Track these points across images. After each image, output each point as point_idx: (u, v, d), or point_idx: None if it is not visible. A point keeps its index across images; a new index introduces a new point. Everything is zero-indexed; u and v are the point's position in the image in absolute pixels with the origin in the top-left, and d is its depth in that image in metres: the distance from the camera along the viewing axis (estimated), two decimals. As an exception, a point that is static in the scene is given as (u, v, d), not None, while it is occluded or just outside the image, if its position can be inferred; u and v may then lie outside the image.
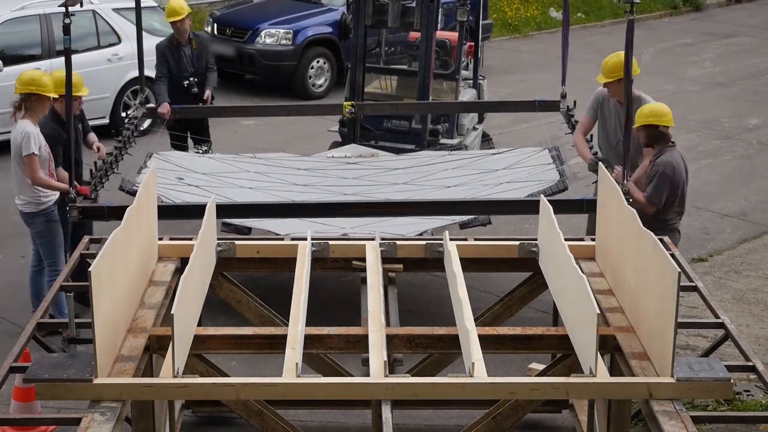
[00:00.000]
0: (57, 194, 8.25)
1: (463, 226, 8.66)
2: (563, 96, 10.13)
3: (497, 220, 9.34)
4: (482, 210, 8.50)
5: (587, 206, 7.74)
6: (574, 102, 9.85)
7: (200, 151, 10.31)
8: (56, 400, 5.82)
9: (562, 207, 8.11)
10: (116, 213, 7.54)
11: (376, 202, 8.59)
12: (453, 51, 11.61)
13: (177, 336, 4.77)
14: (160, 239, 6.39)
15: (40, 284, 8.50)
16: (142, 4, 13.90)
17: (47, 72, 9.25)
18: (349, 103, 10.31)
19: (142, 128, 9.97)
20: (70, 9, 7.17)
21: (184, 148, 10.36)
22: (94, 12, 13.52)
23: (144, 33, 13.34)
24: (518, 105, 10.67)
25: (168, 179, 8.85)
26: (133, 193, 7.33)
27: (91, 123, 12.66)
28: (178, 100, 10.58)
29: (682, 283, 4.84)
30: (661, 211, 7.98)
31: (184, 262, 5.56)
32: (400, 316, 5.90)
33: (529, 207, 7.81)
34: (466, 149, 10.96)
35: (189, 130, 10.93)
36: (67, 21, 7.15)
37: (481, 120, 11.84)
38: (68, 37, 7.20)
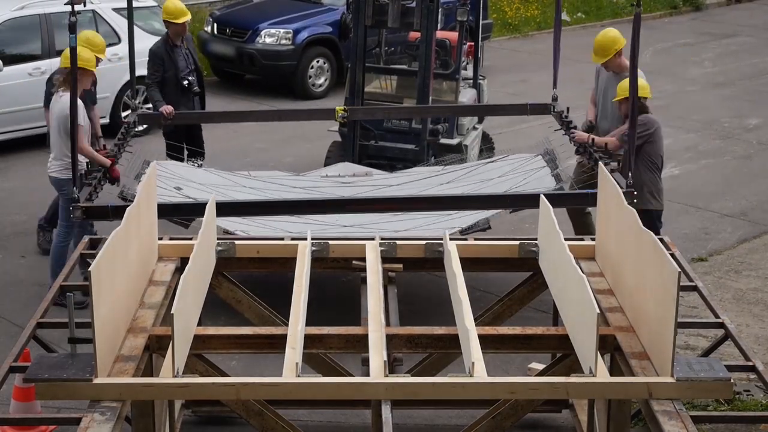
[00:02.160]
0: (86, 163, 8.56)
1: (462, 232, 8.65)
2: (554, 99, 10.15)
3: (496, 220, 9.34)
4: (483, 205, 8.50)
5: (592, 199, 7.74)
6: (567, 108, 9.87)
7: (196, 164, 10.25)
8: (56, 400, 5.83)
9: (570, 200, 8.31)
10: (120, 213, 7.54)
11: (376, 199, 8.59)
12: (453, 51, 11.61)
13: (177, 336, 4.77)
14: (160, 239, 6.39)
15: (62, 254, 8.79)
16: (143, 4, 13.98)
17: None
18: (342, 108, 10.32)
19: (137, 130, 9.93)
20: (76, 8, 7.16)
21: (180, 159, 10.27)
22: (94, 12, 13.52)
23: (144, 33, 13.42)
24: (510, 108, 10.70)
25: (166, 188, 8.83)
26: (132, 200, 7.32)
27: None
28: (177, 101, 10.52)
29: (682, 283, 4.83)
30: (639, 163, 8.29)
31: (184, 261, 5.56)
32: (400, 315, 5.90)
33: (529, 202, 7.81)
34: (465, 149, 10.97)
35: (185, 140, 10.77)
36: (72, 19, 7.14)
37: (481, 120, 11.85)
38: (74, 36, 7.19)
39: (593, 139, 8.76)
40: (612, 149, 8.62)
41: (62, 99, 8.60)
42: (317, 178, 10.12)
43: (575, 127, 9.33)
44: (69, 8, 7.23)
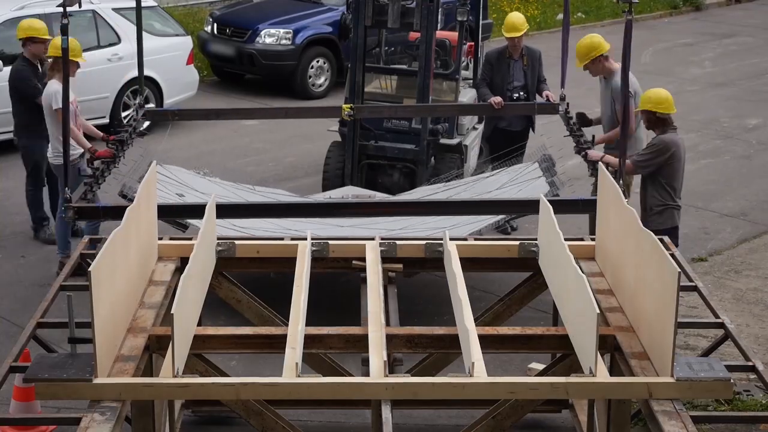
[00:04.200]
0: (81, 148, 9.20)
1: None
2: (562, 98, 10.14)
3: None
4: (482, 210, 8.50)
5: (584, 206, 7.73)
6: (568, 104, 9.88)
7: (201, 173, 10.21)
8: (56, 400, 5.83)
9: (560, 207, 8.17)
10: (112, 213, 7.55)
11: (376, 203, 8.58)
12: (453, 51, 11.61)
13: (177, 336, 4.77)
14: (160, 239, 6.39)
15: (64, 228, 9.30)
16: (143, 3, 13.94)
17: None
18: (348, 105, 10.31)
19: (140, 130, 9.89)
20: (68, 9, 7.17)
21: None
22: (94, 12, 13.52)
23: (144, 33, 13.39)
24: (516, 107, 10.68)
25: (168, 193, 8.81)
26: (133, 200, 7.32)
27: (91, 122, 12.70)
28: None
29: (682, 283, 4.84)
30: (650, 187, 8.29)
31: (184, 262, 5.56)
32: (400, 315, 5.90)
33: (529, 207, 7.82)
34: (465, 149, 10.96)
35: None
36: (65, 21, 7.13)
37: (481, 120, 11.84)
38: (66, 38, 7.19)
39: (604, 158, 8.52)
40: (626, 173, 8.24)
41: (48, 86, 9.21)
42: (320, 198, 10.09)
43: (586, 140, 9.17)
44: (75, 9, 7.24)
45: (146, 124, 12.10)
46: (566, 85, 10.27)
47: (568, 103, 10.10)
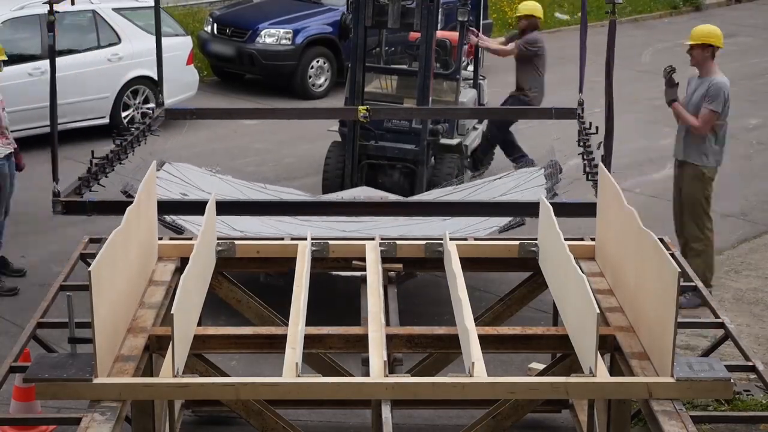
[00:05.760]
0: (6, 150, 9.03)
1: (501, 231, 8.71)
2: (580, 103, 10.04)
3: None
4: (484, 212, 8.50)
5: (578, 209, 7.65)
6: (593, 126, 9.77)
7: (212, 171, 10.15)
8: (56, 400, 5.83)
9: (557, 210, 8.17)
10: (99, 208, 7.51)
11: (376, 203, 8.59)
12: (453, 51, 11.62)
13: (177, 336, 4.77)
14: (160, 239, 6.39)
15: None
16: (143, 4, 13.98)
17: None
18: (364, 107, 10.26)
19: (155, 128, 9.73)
20: (65, 9, 7.16)
21: None
22: (94, 12, 13.53)
23: (145, 33, 13.46)
24: (534, 112, 10.64)
25: (171, 191, 8.79)
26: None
27: (91, 123, 12.75)
28: None
29: (682, 283, 4.84)
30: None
31: (184, 261, 5.56)
32: (400, 315, 5.90)
33: (529, 209, 7.80)
34: (465, 149, 10.97)
35: None
36: (51, 18, 7.13)
37: (481, 120, 11.85)
38: (53, 35, 7.19)
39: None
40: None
41: None
42: (332, 198, 10.08)
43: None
44: (68, 8, 7.22)
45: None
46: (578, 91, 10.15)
47: (583, 108, 10.00)
